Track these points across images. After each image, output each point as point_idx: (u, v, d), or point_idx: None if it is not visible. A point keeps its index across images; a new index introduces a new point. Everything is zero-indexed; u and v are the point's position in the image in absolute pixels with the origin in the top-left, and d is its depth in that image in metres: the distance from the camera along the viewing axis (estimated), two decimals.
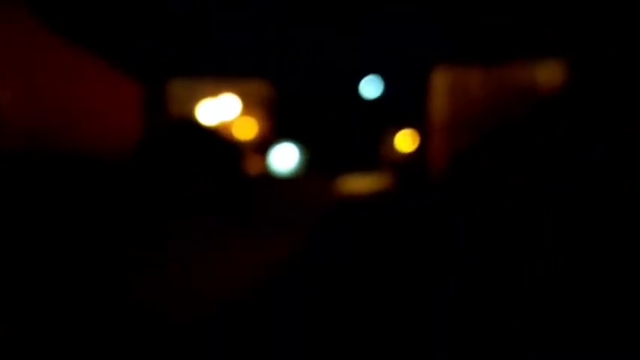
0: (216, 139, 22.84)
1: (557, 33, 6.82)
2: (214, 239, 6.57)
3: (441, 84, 9.47)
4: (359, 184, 21.23)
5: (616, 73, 5.07)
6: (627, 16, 4.63)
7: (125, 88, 16.08)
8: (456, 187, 9.42)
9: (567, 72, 8.34)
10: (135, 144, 16.20)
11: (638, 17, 4.49)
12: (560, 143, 7.72)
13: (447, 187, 9.48)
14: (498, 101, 9.17)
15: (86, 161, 12.30)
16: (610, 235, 4.52)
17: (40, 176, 9.30)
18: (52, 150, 10.27)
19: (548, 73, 8.98)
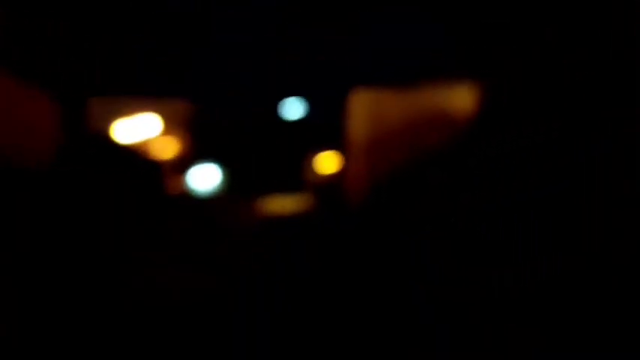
0: (135, 157, 22.31)
1: (476, 56, 7.26)
2: (129, 258, 6.47)
3: (359, 106, 9.85)
4: (280, 205, 21.28)
5: (531, 94, 5.49)
6: (541, 41, 5.04)
7: (40, 105, 15.39)
8: (373, 210, 9.79)
9: (486, 94, 8.84)
10: (49, 161, 15.53)
11: (553, 43, 4.90)
12: (477, 166, 8.24)
13: (365, 210, 9.83)
14: (417, 124, 9.61)
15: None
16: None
17: None
18: None
19: (468, 96, 9.51)
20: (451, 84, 9.68)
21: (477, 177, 7.35)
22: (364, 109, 9.66)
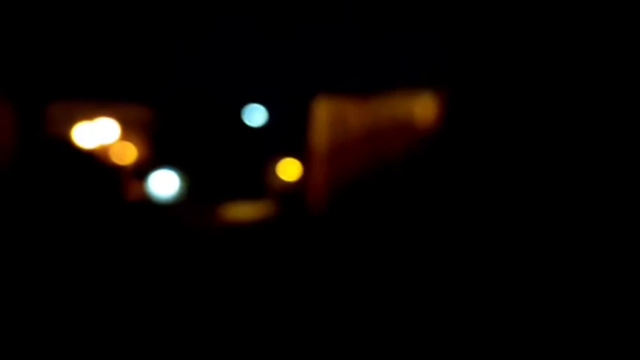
0: (94, 162, 21.80)
1: (436, 67, 7.40)
2: (88, 263, 6.33)
3: (321, 115, 9.83)
4: (242, 211, 21.10)
5: (484, 105, 5.63)
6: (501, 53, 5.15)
7: None
8: (334, 215, 9.77)
9: (444, 104, 8.97)
10: (7, 164, 15.09)
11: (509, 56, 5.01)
12: (434, 174, 8.36)
13: (326, 215, 9.80)
14: (377, 132, 9.67)
15: None
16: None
17: None
18: None
19: (426, 106, 9.64)
20: (412, 94, 9.84)
21: (435, 182, 7.48)
22: (326, 117, 9.65)
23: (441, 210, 6.68)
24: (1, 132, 14.88)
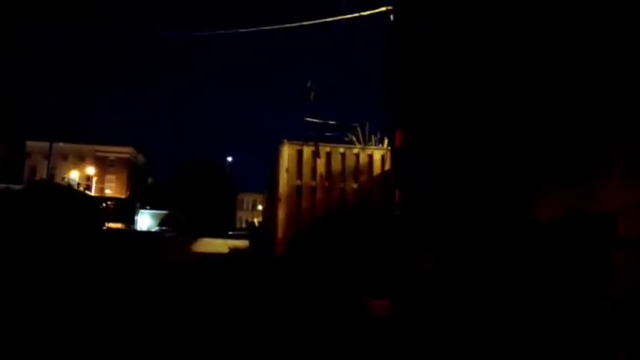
0: (76, 198, 22.38)
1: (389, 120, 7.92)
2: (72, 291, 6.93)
3: (285, 159, 10.56)
4: (216, 245, 21.82)
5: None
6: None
7: None
8: (296, 253, 10.33)
9: (389, 154, 9.86)
10: None
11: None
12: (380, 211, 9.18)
13: (289, 252, 10.37)
14: (337, 177, 10.50)
15: None
16: None
17: None
18: None
19: (380, 156, 10.59)
20: (361, 147, 10.87)
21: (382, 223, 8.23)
22: (288, 160, 10.54)
23: (388, 248, 7.30)
24: None
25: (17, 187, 24.87)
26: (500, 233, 3.63)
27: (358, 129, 12.52)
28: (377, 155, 10.89)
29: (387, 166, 10.40)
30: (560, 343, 2.78)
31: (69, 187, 23.13)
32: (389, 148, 10.21)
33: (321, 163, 10.66)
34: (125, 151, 39.90)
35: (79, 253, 13.40)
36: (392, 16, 9.49)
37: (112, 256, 13.76)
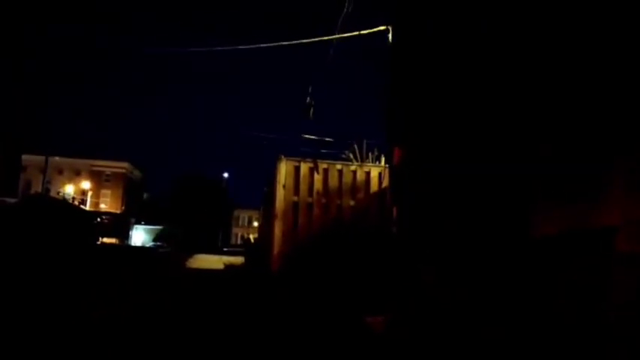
0: (70, 212, 22.32)
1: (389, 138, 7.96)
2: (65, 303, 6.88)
3: (282, 175, 10.59)
4: (210, 262, 21.72)
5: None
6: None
7: None
8: (291, 269, 10.31)
9: (386, 172, 9.92)
10: None
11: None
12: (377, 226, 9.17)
13: (284, 268, 10.34)
14: (334, 194, 10.53)
15: None
16: None
17: None
18: None
19: (377, 174, 10.63)
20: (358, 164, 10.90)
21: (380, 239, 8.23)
22: (285, 177, 10.55)
23: (385, 263, 7.28)
24: None
25: (12, 200, 24.79)
26: (499, 248, 3.65)
27: (355, 146, 12.60)
28: (374, 172, 10.91)
29: (385, 184, 10.44)
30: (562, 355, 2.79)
31: (64, 202, 23.10)
32: (386, 165, 10.28)
33: (318, 179, 10.68)
34: (121, 166, 39.90)
35: (73, 268, 13.31)
36: (390, 35, 9.62)
37: (105, 270, 13.67)
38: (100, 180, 37.46)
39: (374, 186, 10.77)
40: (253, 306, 7.84)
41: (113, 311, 6.64)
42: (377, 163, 11.82)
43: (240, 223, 72.71)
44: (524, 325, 3.12)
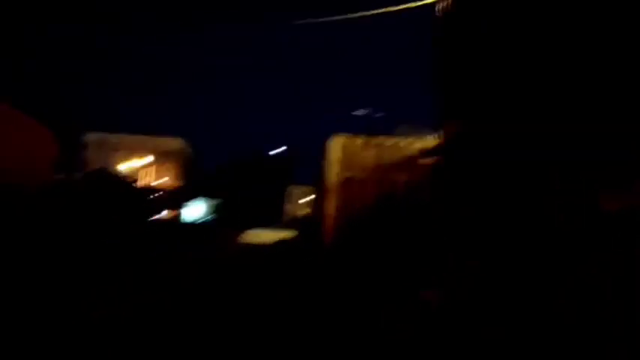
0: (129, 187, 23.09)
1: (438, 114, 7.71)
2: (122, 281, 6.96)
3: (335, 151, 10.59)
4: (264, 236, 22.10)
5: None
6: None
7: (40, 139, 16.40)
8: (345, 243, 10.30)
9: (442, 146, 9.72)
10: (46, 189, 16.36)
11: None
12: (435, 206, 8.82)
13: (338, 243, 10.35)
14: (387, 169, 10.44)
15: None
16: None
17: None
18: None
19: (427, 145, 10.46)
20: (417, 138, 10.73)
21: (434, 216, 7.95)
22: (340, 152, 10.56)
23: (439, 239, 7.11)
24: (43, 159, 16.29)
25: (74, 176, 25.77)
26: (573, 222, 3.60)
27: (409, 123, 12.44)
28: (428, 147, 10.73)
29: (438, 159, 10.28)
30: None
31: (121, 178, 23.87)
32: (442, 140, 10.09)
33: (371, 154, 10.73)
34: (176, 142, 40.56)
35: (135, 239, 13.81)
36: (439, 8, 9.37)
37: (164, 243, 14.10)
38: (155, 156, 38.30)
39: (427, 161, 10.64)
40: (308, 280, 7.93)
41: (178, 273, 6.86)
42: (432, 138, 11.63)
43: (293, 199, 73.15)
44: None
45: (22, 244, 10.97)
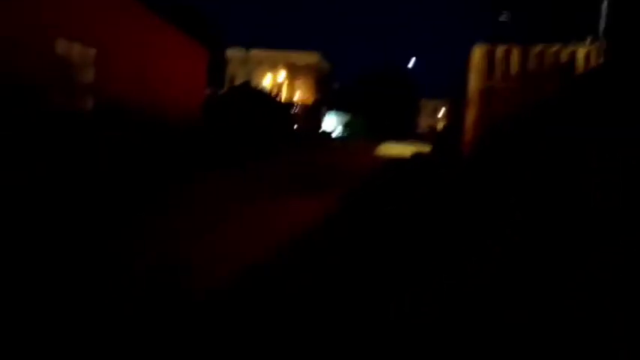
0: (270, 101, 24.18)
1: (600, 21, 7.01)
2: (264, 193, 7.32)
3: (477, 60, 10.15)
4: (399, 149, 22.28)
5: None
6: None
7: (194, 53, 17.37)
8: (485, 158, 10.00)
9: (603, 54, 8.96)
10: (200, 105, 17.59)
11: None
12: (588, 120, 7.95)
13: (478, 157, 10.10)
14: (533, 77, 9.85)
15: (156, 125, 13.51)
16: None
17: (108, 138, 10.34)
18: (123, 111, 11.47)
19: (584, 54, 9.68)
20: (567, 45, 9.84)
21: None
22: (482, 63, 10.13)
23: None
24: (197, 75, 17.31)
25: (220, 91, 27.35)
26: None
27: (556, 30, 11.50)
28: (580, 54, 9.89)
29: (593, 65, 9.51)
30: None
31: (263, 92, 24.90)
32: (597, 44, 9.33)
33: (514, 62, 10.07)
34: (312, 57, 41.12)
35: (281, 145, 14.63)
36: None
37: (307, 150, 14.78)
38: (293, 71, 39.17)
39: (580, 68, 9.85)
40: (445, 194, 7.92)
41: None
42: (584, 42, 10.68)
43: (426, 112, 71.98)
44: None
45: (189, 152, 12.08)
